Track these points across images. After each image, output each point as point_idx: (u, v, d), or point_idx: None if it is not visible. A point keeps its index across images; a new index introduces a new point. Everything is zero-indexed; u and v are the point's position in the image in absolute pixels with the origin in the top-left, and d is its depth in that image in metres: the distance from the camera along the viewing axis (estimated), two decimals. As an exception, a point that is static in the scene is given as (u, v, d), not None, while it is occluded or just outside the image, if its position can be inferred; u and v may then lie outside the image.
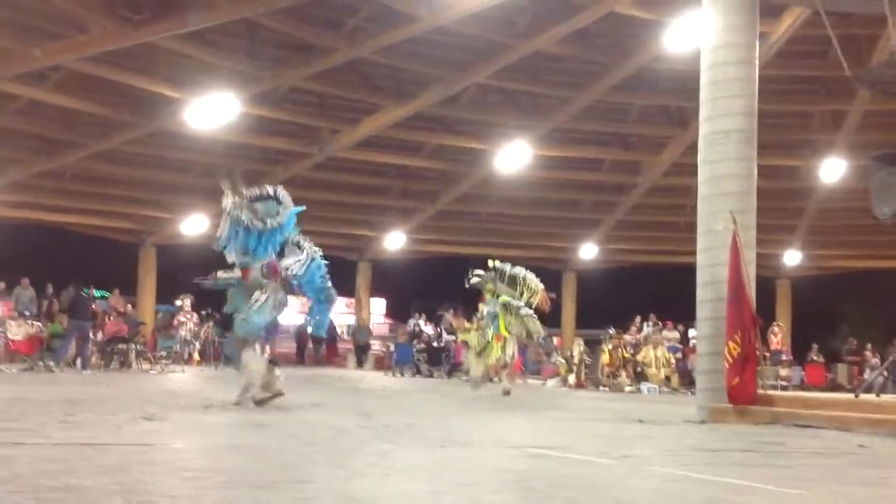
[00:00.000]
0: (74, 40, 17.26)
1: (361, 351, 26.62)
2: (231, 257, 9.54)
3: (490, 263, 14.87)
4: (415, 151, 24.71)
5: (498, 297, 14.58)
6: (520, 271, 14.71)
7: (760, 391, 10.39)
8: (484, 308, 14.94)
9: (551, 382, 21.56)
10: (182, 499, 3.75)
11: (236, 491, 3.98)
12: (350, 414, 8.88)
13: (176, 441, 6.02)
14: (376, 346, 27.47)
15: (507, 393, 13.94)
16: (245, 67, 19.60)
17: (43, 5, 16.60)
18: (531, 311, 14.38)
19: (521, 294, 14.52)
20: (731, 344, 9.92)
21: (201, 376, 17.24)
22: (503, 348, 14.51)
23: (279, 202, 9.58)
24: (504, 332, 14.42)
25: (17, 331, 18.30)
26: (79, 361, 19.00)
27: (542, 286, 14.82)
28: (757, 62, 11.37)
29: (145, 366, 19.76)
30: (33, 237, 26.30)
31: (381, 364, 25.49)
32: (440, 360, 23.35)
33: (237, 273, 9.54)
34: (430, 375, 22.58)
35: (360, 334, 27.00)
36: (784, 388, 19.66)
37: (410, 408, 10.65)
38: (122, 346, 19.64)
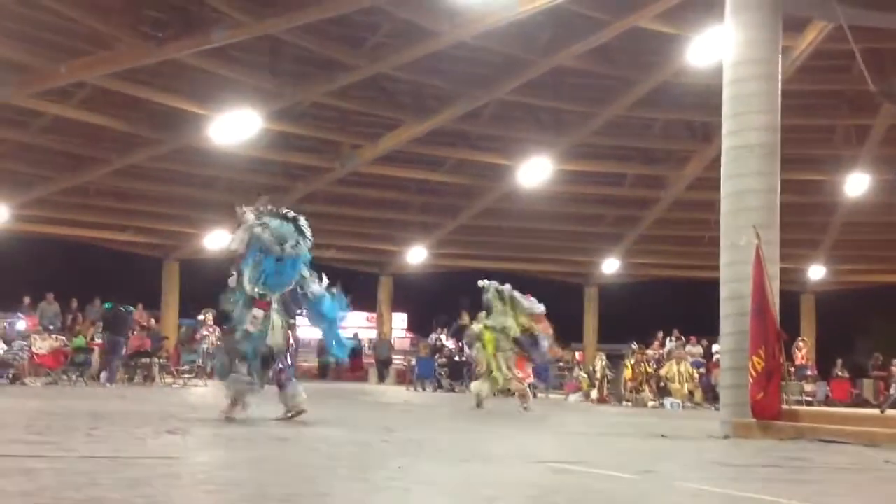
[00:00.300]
0: (99, 57, 17.45)
1: (383, 365, 26.64)
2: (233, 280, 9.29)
3: (482, 284, 14.75)
4: (436, 166, 24.76)
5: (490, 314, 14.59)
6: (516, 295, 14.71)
7: (785, 406, 10.30)
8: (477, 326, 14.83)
9: (573, 397, 21.47)
10: (205, 511, 3.76)
11: (259, 504, 3.99)
12: (372, 428, 8.88)
13: (199, 454, 6.04)
14: (398, 360, 27.49)
15: (525, 408, 13.98)
16: (267, 84, 19.73)
17: (68, 23, 16.82)
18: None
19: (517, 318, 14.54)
20: (754, 359, 9.85)
21: (223, 390, 17.25)
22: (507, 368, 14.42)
23: (300, 231, 9.33)
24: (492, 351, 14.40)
25: (42, 345, 18.42)
26: (103, 375, 19.16)
27: (540, 308, 14.85)
28: (780, 77, 11.33)
29: (168, 380, 19.86)
30: (58, 252, 26.52)
31: (403, 378, 25.48)
32: (462, 375, 23.28)
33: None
34: (452, 390, 22.54)
35: (382, 348, 27.03)
36: (809, 404, 19.47)
37: (432, 422, 10.63)
38: (145, 360, 19.75)
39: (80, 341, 19.40)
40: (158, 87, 19.38)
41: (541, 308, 14.87)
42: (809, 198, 24.88)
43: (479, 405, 14.16)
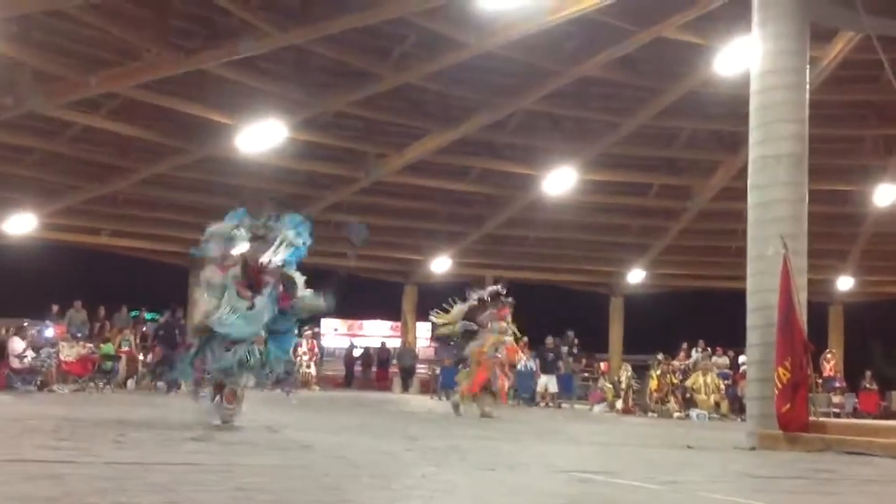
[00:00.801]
0: (128, 68, 17.61)
1: (407, 374, 26.65)
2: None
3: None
4: (461, 176, 24.77)
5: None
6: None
7: (812, 418, 10.22)
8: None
9: (598, 408, 21.40)
10: (230, 517, 3.78)
11: (283, 510, 4.00)
12: (396, 437, 8.89)
13: (224, 460, 6.07)
14: (422, 369, 27.48)
15: (486, 415, 14.29)
16: (294, 94, 19.83)
17: (98, 34, 16.99)
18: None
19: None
20: (780, 370, 9.79)
21: (249, 398, 17.32)
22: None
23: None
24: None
25: (70, 352, 18.59)
26: (129, 383, 19.33)
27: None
28: (808, 87, 11.27)
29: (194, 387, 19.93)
30: (86, 261, 26.75)
31: (427, 387, 25.47)
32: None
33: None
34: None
35: (406, 357, 27.05)
36: (837, 416, 19.30)
37: (456, 431, 10.63)
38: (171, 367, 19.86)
39: (108, 348, 19.56)
40: (186, 98, 19.52)
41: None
42: (838, 208, 24.70)
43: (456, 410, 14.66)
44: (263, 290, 9.08)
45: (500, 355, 15.10)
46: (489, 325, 15.30)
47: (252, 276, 9.14)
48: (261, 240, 9.29)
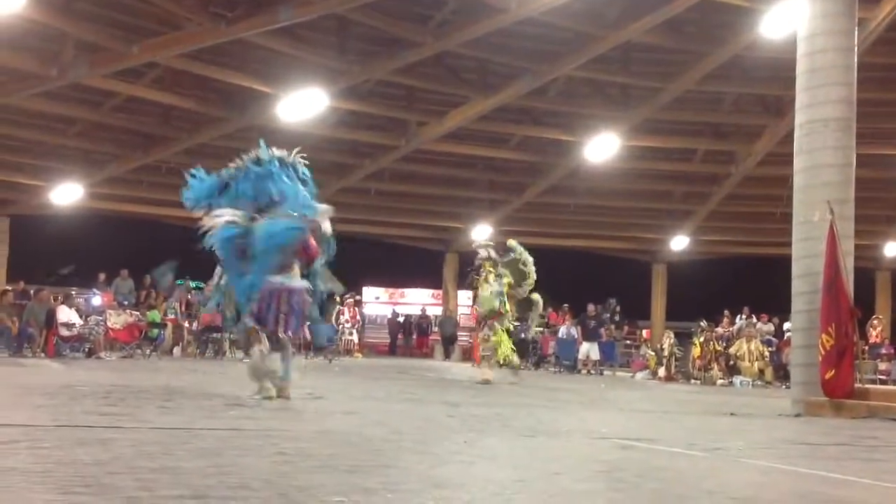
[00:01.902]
0: (170, 37, 17.72)
1: (448, 342, 26.74)
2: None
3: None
4: (502, 143, 24.68)
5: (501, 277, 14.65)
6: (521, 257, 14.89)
7: (857, 385, 10.11)
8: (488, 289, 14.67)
9: (640, 375, 21.33)
10: (274, 481, 3.83)
11: (327, 474, 4.05)
12: (437, 404, 8.93)
13: (267, 425, 6.14)
14: (463, 337, 27.55)
15: (485, 381, 13.78)
16: (334, 62, 19.83)
17: (141, 4, 17.11)
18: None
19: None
20: (824, 336, 9.70)
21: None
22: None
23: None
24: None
25: (117, 320, 18.86)
26: (175, 350, 19.62)
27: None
28: (856, 49, 11.05)
29: (238, 354, 20.18)
30: (132, 230, 27.05)
31: (468, 355, 25.54)
32: (527, 352, 23.29)
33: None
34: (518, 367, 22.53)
35: (447, 325, 27.12)
36: (883, 383, 19.07)
37: (497, 398, 10.66)
38: (216, 335, 20.11)
39: (154, 316, 19.82)
40: (227, 67, 19.61)
41: None
42: (886, 172, 24.24)
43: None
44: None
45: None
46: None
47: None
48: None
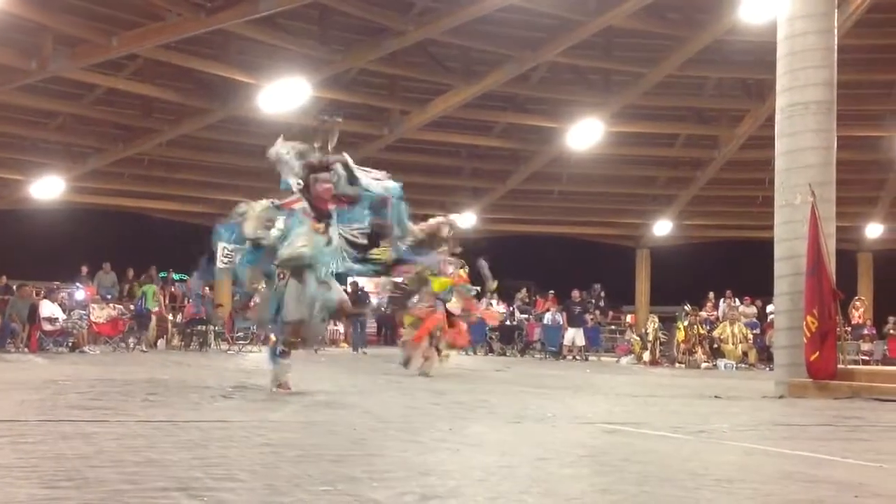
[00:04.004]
0: (150, 28, 17.61)
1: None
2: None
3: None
4: (485, 131, 24.67)
5: None
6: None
7: (841, 366, 10.18)
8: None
9: (625, 360, 21.42)
10: (260, 472, 3.83)
11: (312, 464, 4.05)
12: (422, 392, 8.94)
13: (252, 417, 6.13)
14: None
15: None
16: (316, 51, 19.75)
17: (118, -5, 16.99)
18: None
19: None
20: (809, 318, 9.75)
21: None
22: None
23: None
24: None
25: (100, 314, 18.80)
26: (160, 343, 19.58)
27: None
28: (836, 31, 11.08)
29: (223, 346, 20.16)
30: (114, 223, 26.95)
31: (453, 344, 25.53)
32: (513, 339, 23.36)
33: None
34: (503, 354, 22.61)
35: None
36: (866, 363, 19.23)
37: (483, 385, 10.68)
38: (201, 327, 20.08)
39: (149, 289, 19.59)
40: (208, 57, 19.51)
41: None
42: (866, 154, 24.39)
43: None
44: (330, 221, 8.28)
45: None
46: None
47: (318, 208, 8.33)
48: (322, 170, 8.36)
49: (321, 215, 8.29)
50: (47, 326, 17.33)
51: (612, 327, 26.56)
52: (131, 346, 18.64)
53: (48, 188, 22.21)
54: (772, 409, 8.43)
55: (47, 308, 17.47)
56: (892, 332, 23.17)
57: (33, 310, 17.34)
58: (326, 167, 8.43)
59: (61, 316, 17.63)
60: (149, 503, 3.15)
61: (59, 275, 21.76)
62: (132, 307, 20.01)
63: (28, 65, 17.56)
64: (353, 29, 19.92)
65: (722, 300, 22.55)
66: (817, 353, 9.66)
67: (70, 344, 17.38)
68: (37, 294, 18.49)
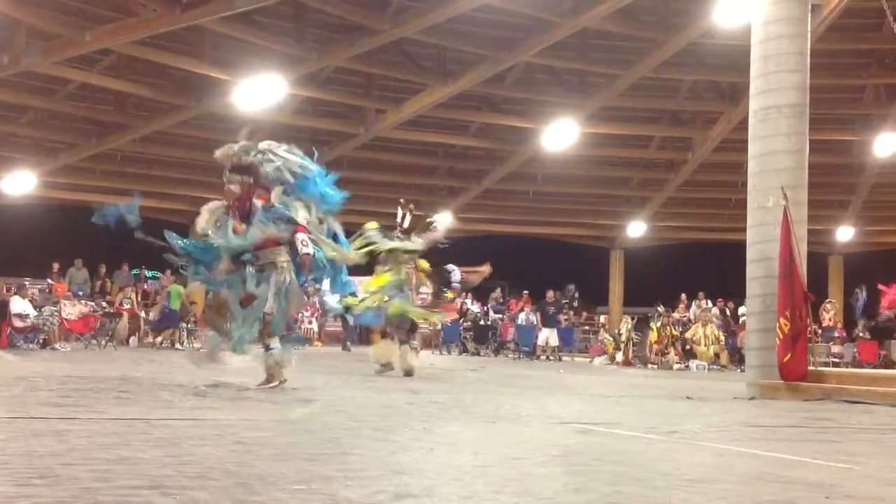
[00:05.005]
0: (124, 24, 17.50)
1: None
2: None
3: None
4: (461, 131, 24.69)
5: None
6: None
7: (812, 368, 10.27)
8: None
9: (598, 360, 21.51)
10: (233, 470, 3.81)
11: (286, 463, 4.03)
12: (397, 391, 8.93)
13: (225, 415, 6.11)
14: (423, 324, 27.50)
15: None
16: (291, 49, 19.70)
17: (93, -11, 16.86)
18: None
19: None
20: (781, 320, 9.82)
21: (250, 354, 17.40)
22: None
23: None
24: None
25: (72, 310, 18.65)
26: (132, 340, 19.43)
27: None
28: (809, 36, 11.18)
29: (196, 344, 20.03)
30: (86, 219, 26.66)
31: (429, 342, 25.56)
32: (487, 339, 23.39)
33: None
34: (477, 353, 22.64)
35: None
36: (836, 365, 19.41)
37: (457, 385, 10.69)
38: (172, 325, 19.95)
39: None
40: (183, 54, 19.41)
41: None
42: (838, 158, 24.64)
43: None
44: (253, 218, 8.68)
45: None
46: None
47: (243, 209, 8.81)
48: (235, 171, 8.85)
49: (242, 214, 8.88)
50: (18, 323, 17.15)
51: (586, 328, 26.68)
52: (103, 343, 18.50)
53: (20, 183, 22.02)
54: (743, 410, 8.49)
55: (18, 304, 17.30)
56: (860, 335, 23.41)
57: (4, 306, 17.16)
58: (242, 167, 8.98)
59: (32, 312, 17.47)
60: (121, 501, 3.13)
61: (31, 271, 21.59)
62: (104, 304, 19.86)
63: (0, 59, 17.40)
64: (329, 27, 19.89)
65: (694, 302, 22.70)
66: (789, 355, 9.74)
67: (41, 341, 17.22)
68: (7, 290, 18.30)
